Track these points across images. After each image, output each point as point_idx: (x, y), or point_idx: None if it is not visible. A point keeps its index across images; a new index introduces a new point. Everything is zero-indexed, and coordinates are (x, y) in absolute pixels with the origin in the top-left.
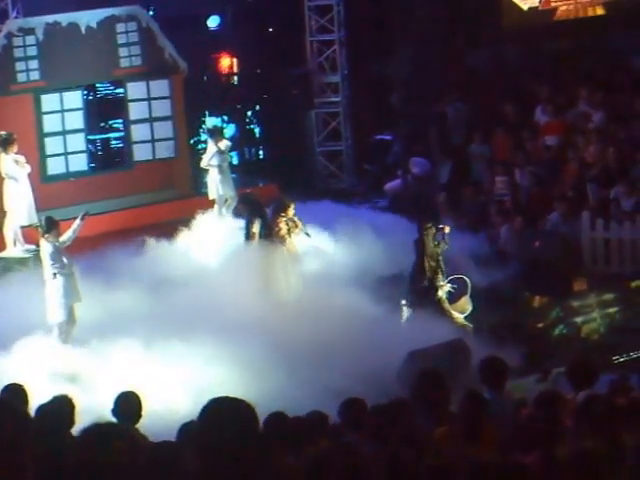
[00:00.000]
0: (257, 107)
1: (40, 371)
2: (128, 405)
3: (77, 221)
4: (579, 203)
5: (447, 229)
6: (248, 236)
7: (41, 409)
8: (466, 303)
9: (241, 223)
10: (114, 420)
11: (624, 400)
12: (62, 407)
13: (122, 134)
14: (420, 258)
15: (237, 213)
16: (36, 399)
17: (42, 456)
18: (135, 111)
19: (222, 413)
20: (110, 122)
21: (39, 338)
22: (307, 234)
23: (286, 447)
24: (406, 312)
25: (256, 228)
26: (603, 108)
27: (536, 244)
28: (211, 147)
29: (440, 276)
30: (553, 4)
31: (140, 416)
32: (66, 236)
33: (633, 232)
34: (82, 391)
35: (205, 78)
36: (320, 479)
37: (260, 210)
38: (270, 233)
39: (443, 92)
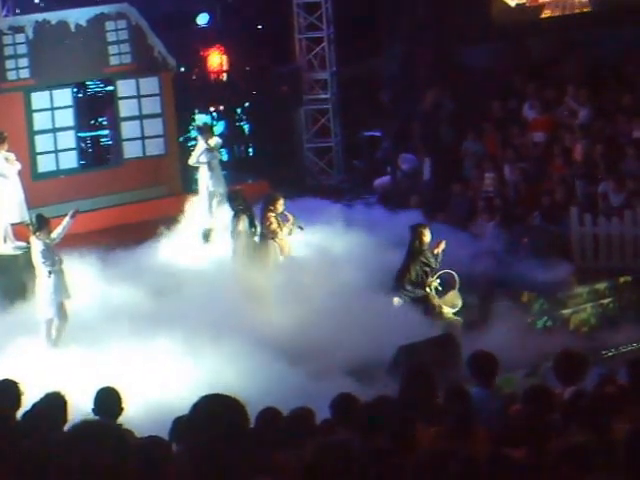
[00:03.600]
0: (246, 104)
1: (30, 368)
2: (108, 401)
3: (67, 218)
4: (565, 203)
5: (442, 245)
6: (234, 233)
7: (34, 406)
8: (455, 298)
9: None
10: (95, 417)
11: (612, 388)
12: (55, 403)
13: (112, 131)
14: (409, 254)
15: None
16: (27, 396)
17: (35, 452)
18: (125, 108)
19: (212, 410)
20: (100, 119)
21: (29, 335)
22: (300, 227)
23: (278, 443)
24: (396, 306)
25: (242, 225)
26: (589, 105)
27: (524, 240)
28: (201, 144)
29: (429, 272)
30: (540, 0)
31: (121, 410)
32: (55, 233)
33: (621, 227)
34: (71, 388)
35: (194, 75)
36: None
37: (246, 207)
38: (256, 229)
39: (431, 89)
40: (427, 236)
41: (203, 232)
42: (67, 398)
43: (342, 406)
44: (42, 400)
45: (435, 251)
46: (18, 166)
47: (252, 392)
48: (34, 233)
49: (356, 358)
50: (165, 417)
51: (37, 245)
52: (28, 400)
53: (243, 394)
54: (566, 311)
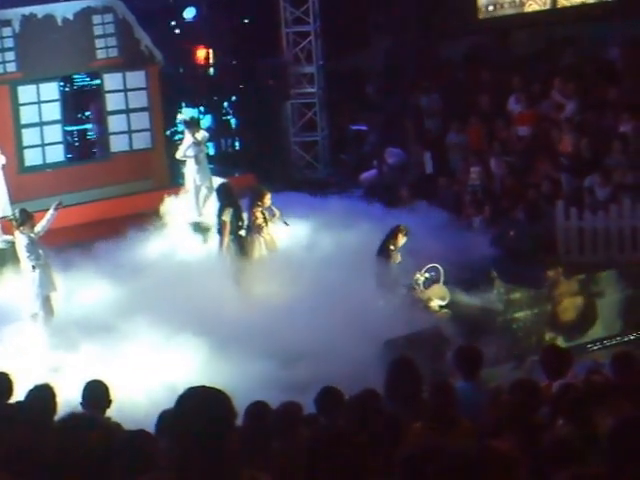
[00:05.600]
0: (233, 98)
1: (18, 361)
2: (96, 394)
3: (50, 211)
4: (551, 197)
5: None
6: (220, 225)
7: (24, 397)
8: (442, 291)
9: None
10: (83, 410)
11: (599, 380)
12: (44, 395)
13: (98, 125)
14: (382, 252)
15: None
16: (15, 388)
17: (26, 443)
18: (112, 102)
19: (198, 402)
20: (87, 113)
21: (16, 328)
22: (285, 223)
23: (268, 436)
24: (383, 300)
25: (227, 217)
26: (576, 98)
27: (510, 234)
28: (188, 138)
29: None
30: None
31: (109, 403)
32: (40, 226)
33: (607, 221)
34: (58, 381)
35: (181, 69)
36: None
37: (232, 199)
38: (243, 223)
39: (418, 82)
40: (401, 240)
41: (190, 225)
42: (56, 390)
43: (327, 400)
44: (31, 392)
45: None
46: (2, 160)
47: (239, 386)
48: (17, 227)
49: (344, 352)
50: (153, 411)
51: (21, 239)
52: (16, 393)
53: (229, 388)
54: (551, 304)
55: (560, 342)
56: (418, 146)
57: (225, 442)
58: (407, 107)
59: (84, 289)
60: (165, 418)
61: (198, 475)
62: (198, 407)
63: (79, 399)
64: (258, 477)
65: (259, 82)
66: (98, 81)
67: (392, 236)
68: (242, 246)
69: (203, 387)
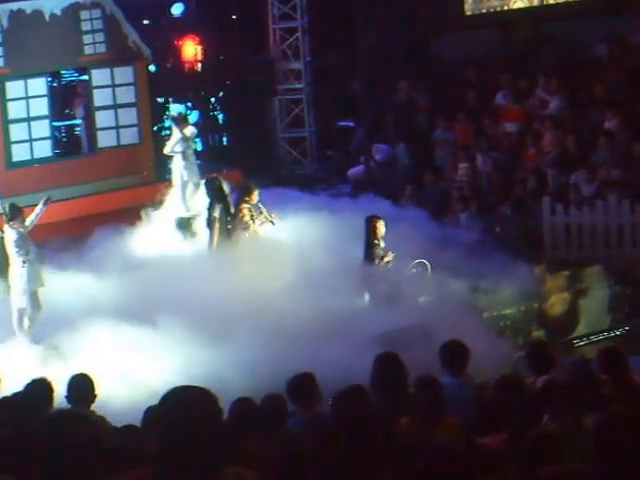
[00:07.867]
0: (221, 94)
1: (4, 356)
2: (81, 388)
3: (39, 206)
4: (537, 193)
5: (390, 257)
6: (210, 221)
7: (21, 391)
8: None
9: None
10: (68, 405)
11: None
12: (41, 390)
13: (82, 120)
14: (367, 246)
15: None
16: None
17: (21, 438)
18: (99, 98)
19: (182, 403)
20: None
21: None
22: (272, 222)
23: (252, 432)
24: (368, 296)
25: (217, 213)
26: (560, 95)
27: (497, 230)
28: (175, 134)
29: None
30: None
31: (94, 397)
32: (28, 221)
33: (593, 217)
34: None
35: (169, 65)
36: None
37: (221, 195)
38: (232, 219)
39: (405, 79)
40: (381, 229)
41: (177, 221)
42: (53, 385)
43: (299, 388)
44: (29, 385)
45: (386, 259)
46: None
47: (232, 379)
48: (7, 222)
49: (329, 348)
50: (139, 407)
51: (11, 234)
52: (3, 389)
53: (221, 380)
54: (537, 300)
55: (547, 338)
56: (399, 142)
57: (209, 439)
58: (392, 103)
59: (72, 285)
60: (150, 414)
61: (182, 472)
62: (183, 407)
63: (64, 393)
64: (243, 474)
65: (246, 78)
66: (86, 76)
67: (371, 230)
68: (229, 241)
69: (188, 386)
